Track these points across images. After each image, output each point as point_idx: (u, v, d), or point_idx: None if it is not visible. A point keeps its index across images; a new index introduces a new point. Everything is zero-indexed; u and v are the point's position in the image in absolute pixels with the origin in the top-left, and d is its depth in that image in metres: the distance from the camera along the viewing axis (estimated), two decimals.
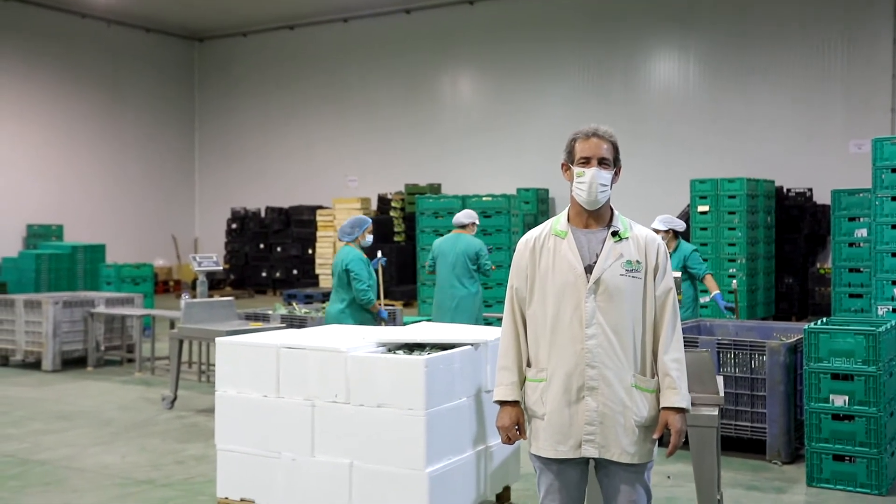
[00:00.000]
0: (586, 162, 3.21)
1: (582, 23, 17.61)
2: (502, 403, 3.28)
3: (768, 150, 15.45)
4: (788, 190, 14.52)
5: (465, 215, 8.70)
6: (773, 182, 13.93)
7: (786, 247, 14.02)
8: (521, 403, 3.29)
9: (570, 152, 3.27)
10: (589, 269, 3.16)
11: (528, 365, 3.28)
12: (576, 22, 17.67)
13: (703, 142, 16.21)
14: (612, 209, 3.30)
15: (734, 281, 9.09)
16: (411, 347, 4.67)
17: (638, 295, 3.19)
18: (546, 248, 3.23)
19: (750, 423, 6.09)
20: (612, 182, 3.26)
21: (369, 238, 7.38)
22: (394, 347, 4.68)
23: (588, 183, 3.19)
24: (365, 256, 7.30)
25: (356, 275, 7.12)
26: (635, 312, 3.18)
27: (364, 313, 7.25)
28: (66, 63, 20.24)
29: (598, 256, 3.18)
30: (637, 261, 3.19)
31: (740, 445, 6.20)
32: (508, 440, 3.28)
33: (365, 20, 20.35)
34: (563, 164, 3.31)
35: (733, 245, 12.47)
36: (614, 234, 3.21)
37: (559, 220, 3.29)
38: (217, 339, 4.90)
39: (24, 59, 19.45)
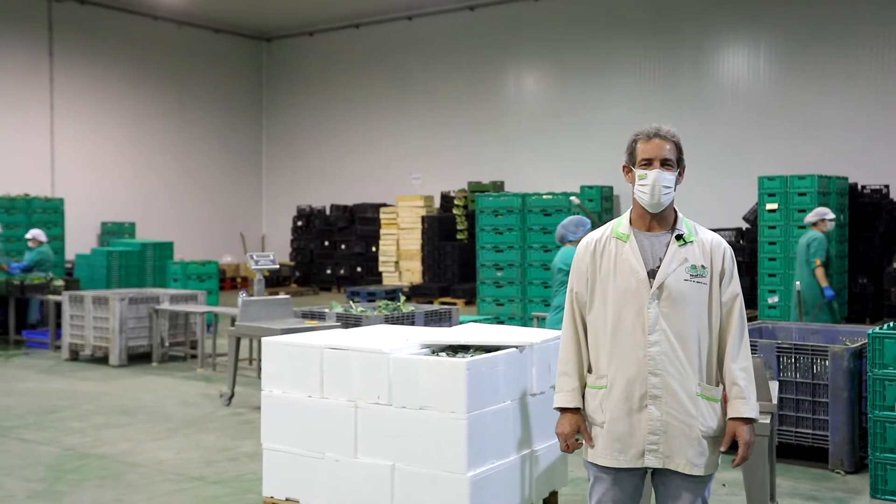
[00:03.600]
0: (648, 163, 3.10)
1: (648, 18, 17.30)
2: (563, 410, 3.20)
3: (842, 146, 14.94)
4: (863, 187, 14.01)
5: None
6: (846, 179, 13.45)
7: (860, 246, 13.53)
8: (582, 410, 3.20)
9: (632, 154, 3.17)
10: (652, 274, 3.06)
11: (589, 371, 3.19)
12: (641, 17, 17.37)
13: (773, 138, 15.76)
14: (676, 212, 3.18)
15: (798, 282, 8.79)
16: (455, 349, 4.62)
17: (703, 301, 3.07)
18: (607, 251, 3.13)
19: (811, 431, 5.87)
20: (676, 183, 3.14)
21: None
22: (438, 349, 4.64)
23: (651, 185, 3.07)
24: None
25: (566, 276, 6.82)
26: (700, 319, 3.06)
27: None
28: (139, 64, 20.79)
29: (661, 261, 3.07)
30: (702, 266, 3.08)
31: (801, 453, 5.98)
32: (567, 448, 3.19)
33: (429, 18, 20.37)
34: (624, 167, 3.21)
35: None
36: (678, 237, 3.10)
37: (621, 223, 3.18)
38: (263, 339, 4.93)
39: (98, 61, 20.05)
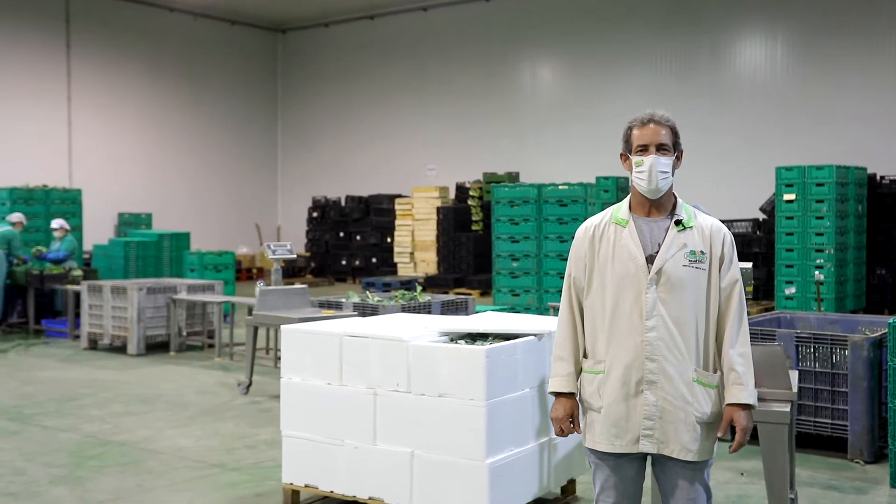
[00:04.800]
0: (644, 150, 3.11)
1: (663, 8, 17.22)
2: (557, 395, 3.23)
3: (860, 137, 14.83)
4: (882, 177, 13.88)
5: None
6: (864, 169, 13.33)
7: (878, 237, 13.42)
8: (577, 395, 3.22)
9: (628, 141, 3.18)
10: (650, 259, 3.06)
11: (585, 356, 3.20)
12: (657, 8, 17.29)
13: (790, 128, 15.67)
14: (675, 197, 3.18)
15: (817, 272, 8.74)
16: (474, 337, 4.63)
17: (701, 287, 3.07)
18: (606, 236, 3.14)
19: (830, 420, 5.85)
20: (674, 168, 3.14)
21: None
22: (456, 337, 4.65)
23: (647, 171, 3.08)
24: None
25: None
26: (698, 305, 3.06)
27: None
28: (155, 56, 20.88)
29: (660, 246, 3.07)
30: (701, 251, 3.07)
31: (820, 443, 5.97)
32: (561, 432, 3.22)
33: (444, 9, 20.34)
34: (621, 155, 3.21)
35: (821, 235, 11.99)
36: (678, 223, 3.10)
37: (620, 208, 3.19)
38: (282, 327, 4.95)
39: (115, 53, 20.14)
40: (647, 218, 3.13)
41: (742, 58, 16.50)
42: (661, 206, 3.13)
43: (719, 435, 3.08)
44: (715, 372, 3.10)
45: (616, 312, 3.08)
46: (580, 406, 3.22)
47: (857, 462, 5.72)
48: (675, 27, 17.07)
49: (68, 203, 15.07)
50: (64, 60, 19.28)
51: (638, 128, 3.14)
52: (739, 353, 3.06)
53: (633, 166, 3.12)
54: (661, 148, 3.10)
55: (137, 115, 20.64)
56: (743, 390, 3.03)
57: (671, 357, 3.02)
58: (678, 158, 3.18)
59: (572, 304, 3.22)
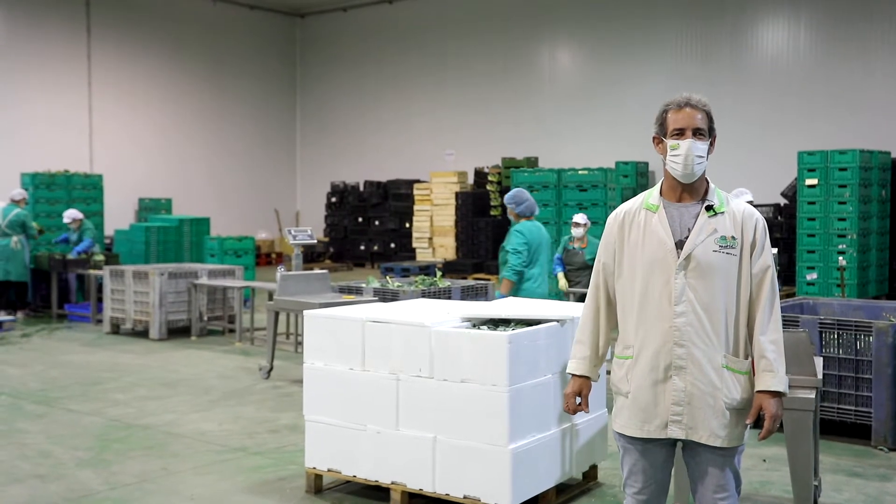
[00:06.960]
0: (680, 134, 3.07)
1: None
2: (573, 376, 3.28)
3: (885, 120, 14.64)
4: None
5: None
6: (888, 154, 13.19)
7: None
8: (591, 378, 3.28)
9: (662, 124, 3.14)
10: (680, 245, 3.04)
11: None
12: None
13: (813, 112, 15.50)
14: (707, 182, 3.15)
15: (840, 258, 8.67)
16: (496, 323, 4.64)
17: (732, 272, 3.04)
18: (636, 222, 3.13)
19: (854, 407, 5.81)
20: (708, 153, 3.12)
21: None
22: (479, 323, 4.65)
23: (683, 156, 3.05)
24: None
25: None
26: (728, 290, 3.04)
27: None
28: (174, 42, 20.91)
29: (689, 231, 3.06)
30: (732, 237, 3.05)
31: (843, 430, 5.93)
32: (567, 408, 3.28)
33: None
34: (654, 137, 3.18)
35: (843, 220, 11.88)
36: (708, 208, 3.08)
37: (651, 194, 3.18)
38: (305, 312, 4.97)
39: (135, 38, 20.18)
40: (677, 203, 3.12)
41: (765, 40, 16.32)
42: (693, 190, 3.11)
43: (748, 422, 3.07)
44: (746, 358, 3.08)
45: (645, 298, 3.08)
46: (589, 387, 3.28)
47: (881, 449, 5.69)
48: (696, 9, 16.89)
49: (89, 188, 15.16)
50: (84, 46, 19.34)
51: (674, 111, 3.11)
52: (770, 339, 3.04)
53: (668, 150, 3.10)
54: (697, 132, 3.07)
55: (157, 101, 20.71)
56: (773, 377, 3.01)
57: (700, 343, 3.01)
58: (712, 144, 3.15)
59: (599, 290, 3.24)
